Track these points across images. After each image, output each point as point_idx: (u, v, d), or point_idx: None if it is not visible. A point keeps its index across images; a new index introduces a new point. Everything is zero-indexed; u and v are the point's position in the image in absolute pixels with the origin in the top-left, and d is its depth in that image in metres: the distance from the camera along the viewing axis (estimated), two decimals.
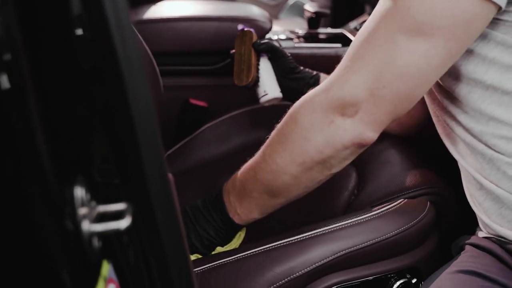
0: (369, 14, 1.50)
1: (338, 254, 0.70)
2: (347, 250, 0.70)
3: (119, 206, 0.35)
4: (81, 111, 0.36)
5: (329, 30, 1.48)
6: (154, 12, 1.30)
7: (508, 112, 0.63)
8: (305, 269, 0.69)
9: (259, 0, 2.20)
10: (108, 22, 0.35)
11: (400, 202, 0.77)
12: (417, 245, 0.77)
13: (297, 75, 0.95)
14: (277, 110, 1.07)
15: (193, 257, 0.75)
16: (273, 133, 0.71)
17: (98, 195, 0.36)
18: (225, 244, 0.77)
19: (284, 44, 1.32)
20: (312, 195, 0.78)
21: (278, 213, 0.88)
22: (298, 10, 2.18)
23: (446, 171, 0.88)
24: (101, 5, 0.34)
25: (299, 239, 0.72)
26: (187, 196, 1.01)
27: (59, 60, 0.35)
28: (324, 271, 0.70)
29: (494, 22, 0.61)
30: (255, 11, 1.29)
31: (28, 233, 0.30)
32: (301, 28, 1.47)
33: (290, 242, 0.72)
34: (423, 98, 0.81)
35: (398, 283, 0.74)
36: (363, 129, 0.63)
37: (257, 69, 0.93)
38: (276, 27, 1.57)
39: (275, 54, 0.94)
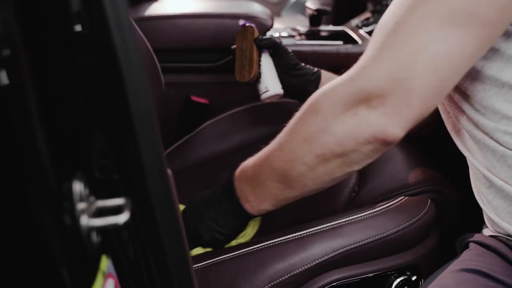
0: (371, 11, 1.51)
1: (339, 251, 0.70)
2: (347, 247, 0.70)
3: (118, 201, 0.35)
4: (80, 107, 0.36)
5: (331, 27, 1.48)
6: (155, 9, 1.30)
7: None
8: (306, 266, 0.69)
9: None
10: (107, 18, 0.35)
11: (401, 200, 0.77)
12: (418, 243, 0.77)
13: (299, 71, 0.95)
14: (278, 108, 1.07)
15: (201, 250, 0.74)
16: (291, 121, 0.68)
17: (97, 190, 0.36)
18: (236, 237, 0.75)
19: (285, 41, 1.32)
20: None
21: (279, 210, 0.88)
22: (300, 7, 2.18)
23: (448, 169, 0.88)
24: (100, 2, 0.34)
25: (299, 236, 0.72)
26: (187, 193, 1.01)
27: (58, 56, 0.35)
28: (325, 268, 0.70)
29: None
30: (257, 8, 1.29)
31: (26, 227, 0.30)
32: (303, 25, 1.47)
33: (291, 238, 0.72)
34: None
35: (398, 280, 0.74)
36: (388, 124, 0.59)
37: (259, 65, 0.93)
38: (278, 24, 1.57)
39: (276, 50, 0.94)
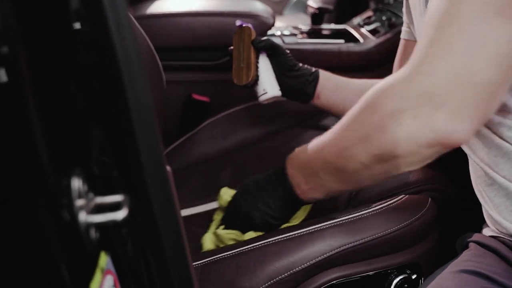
0: (373, 10, 1.51)
1: (339, 249, 0.70)
2: (347, 246, 0.71)
3: (117, 198, 0.35)
4: (79, 104, 0.36)
5: (332, 26, 1.48)
6: (157, 7, 1.30)
7: None
8: (305, 264, 0.69)
9: None
10: (106, 16, 0.35)
11: (401, 198, 0.77)
12: (418, 241, 0.77)
13: (296, 72, 0.95)
14: (279, 107, 1.07)
15: (254, 234, 0.74)
16: (346, 118, 0.64)
17: (96, 187, 0.36)
18: (288, 221, 0.76)
19: (287, 40, 1.33)
20: None
21: None
22: (302, 6, 2.18)
23: (449, 168, 0.87)
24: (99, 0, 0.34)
25: (299, 234, 0.72)
26: (188, 191, 1.02)
27: (57, 54, 0.35)
28: (325, 266, 0.71)
29: None
30: (258, 7, 1.29)
31: (24, 223, 0.30)
32: (305, 24, 1.47)
33: (291, 236, 0.72)
34: None
35: (398, 278, 0.74)
36: (454, 128, 0.55)
37: (257, 68, 0.93)
38: (280, 23, 1.57)
39: (274, 51, 0.93)
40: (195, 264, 0.71)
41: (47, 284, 0.32)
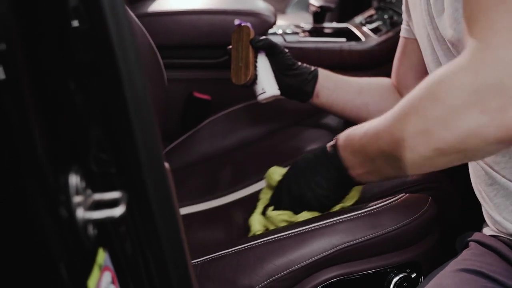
0: (375, 8, 1.50)
1: (338, 247, 0.70)
2: (347, 244, 0.71)
3: (115, 195, 0.35)
4: (77, 101, 0.36)
5: (334, 24, 1.48)
6: (158, 5, 1.30)
7: None
8: (305, 262, 0.69)
9: None
10: (104, 13, 0.35)
11: (401, 197, 0.77)
12: (418, 240, 0.76)
13: (295, 71, 0.94)
14: (280, 105, 1.07)
15: (308, 214, 0.75)
16: (402, 106, 0.60)
17: (95, 184, 0.36)
18: (341, 200, 0.76)
19: (289, 38, 1.33)
20: None
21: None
22: (305, 5, 2.17)
23: (451, 167, 0.87)
24: None
25: (299, 232, 0.72)
26: (189, 189, 1.02)
27: (55, 51, 0.35)
28: (324, 264, 0.71)
29: None
30: (260, 5, 1.29)
31: (22, 220, 0.30)
32: (307, 22, 1.47)
33: (290, 234, 0.72)
34: None
35: (397, 277, 0.74)
36: None
37: (255, 67, 0.93)
38: (282, 21, 1.57)
39: (273, 50, 0.93)
40: (195, 262, 0.72)
41: (45, 280, 0.32)
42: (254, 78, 0.93)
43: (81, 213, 0.33)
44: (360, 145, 0.66)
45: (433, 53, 0.75)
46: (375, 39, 1.32)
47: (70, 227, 0.32)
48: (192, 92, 1.29)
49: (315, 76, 0.95)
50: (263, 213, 0.81)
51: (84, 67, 0.36)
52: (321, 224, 0.72)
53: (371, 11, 1.50)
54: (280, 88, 0.94)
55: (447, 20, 0.66)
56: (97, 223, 0.35)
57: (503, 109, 0.51)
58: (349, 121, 1.01)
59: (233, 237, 0.83)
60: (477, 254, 0.69)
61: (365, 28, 1.40)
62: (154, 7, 1.28)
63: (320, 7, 1.41)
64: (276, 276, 0.68)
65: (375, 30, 1.37)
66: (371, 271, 0.73)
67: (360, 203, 0.78)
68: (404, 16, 0.91)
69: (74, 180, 0.33)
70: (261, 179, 0.99)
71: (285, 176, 0.78)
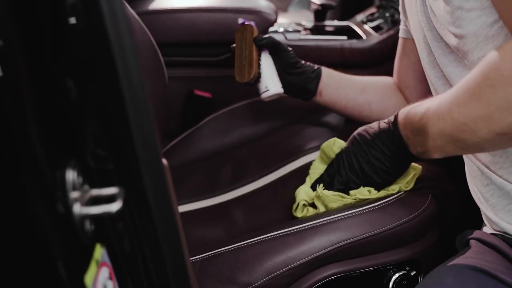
0: (377, 6, 1.50)
1: (338, 245, 0.70)
2: (346, 241, 0.71)
3: (112, 190, 0.35)
4: (75, 97, 0.36)
5: (335, 22, 1.48)
6: (159, 3, 1.30)
7: None
8: (304, 259, 0.69)
9: None
10: (101, 10, 0.35)
11: (401, 195, 0.77)
12: (418, 238, 0.76)
13: (299, 69, 0.95)
14: (281, 103, 1.07)
15: (365, 190, 0.75)
16: (461, 89, 0.60)
17: (93, 180, 0.36)
18: (400, 175, 0.77)
19: (290, 36, 1.32)
20: None
21: (278, 203, 0.88)
22: (307, 3, 2.17)
23: (449, 165, 0.87)
24: None
25: (298, 229, 0.72)
26: (189, 187, 1.02)
27: (53, 48, 0.35)
28: (323, 262, 0.71)
29: None
30: (261, 3, 1.29)
31: (19, 215, 0.30)
32: (308, 20, 1.47)
33: (290, 232, 0.72)
34: (429, 89, 0.81)
35: (397, 275, 0.74)
36: None
37: (259, 65, 0.93)
38: (283, 19, 1.57)
39: (276, 49, 0.93)
40: (194, 259, 0.72)
41: (42, 276, 0.32)
42: (258, 76, 0.93)
43: (77, 209, 0.33)
44: (420, 125, 0.67)
45: (430, 54, 0.75)
46: (376, 37, 1.32)
47: (67, 222, 0.32)
48: (192, 90, 1.29)
49: (318, 75, 0.95)
50: (313, 187, 0.80)
51: (81, 63, 0.36)
52: (320, 222, 0.72)
53: (373, 9, 1.50)
54: (283, 86, 0.94)
55: (449, 17, 0.65)
56: (94, 218, 0.35)
57: None
58: (351, 119, 1.01)
59: (233, 235, 0.83)
60: (477, 252, 0.69)
61: (366, 26, 1.40)
62: (154, 5, 1.28)
63: (322, 5, 1.41)
64: (275, 273, 0.68)
65: (376, 28, 1.37)
66: (371, 269, 0.73)
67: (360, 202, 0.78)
68: (401, 16, 0.91)
69: (71, 175, 0.33)
70: (261, 176, 0.99)
71: (344, 150, 0.79)
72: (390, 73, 1.01)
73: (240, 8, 1.24)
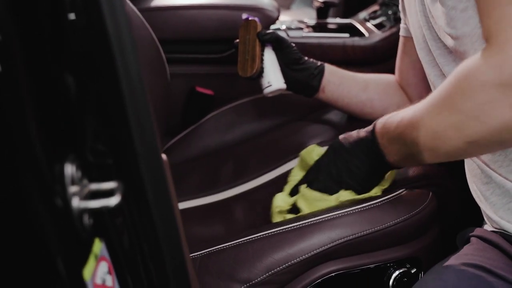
0: (379, 4, 1.50)
1: (337, 242, 0.70)
2: (346, 238, 0.70)
3: (111, 185, 0.35)
4: (73, 91, 0.36)
5: (338, 20, 1.47)
6: None
7: None
8: (304, 256, 0.69)
9: None
10: (101, 6, 0.35)
11: (402, 192, 0.77)
12: (418, 235, 0.76)
13: (302, 65, 0.95)
14: (282, 100, 1.07)
15: (346, 193, 0.75)
16: (435, 98, 0.61)
17: (91, 174, 0.36)
18: (379, 183, 0.77)
19: (292, 33, 1.32)
20: None
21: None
22: (310, 1, 2.17)
23: (450, 162, 0.87)
24: None
25: (298, 226, 0.72)
26: (190, 183, 1.02)
27: (52, 42, 0.35)
28: (323, 259, 0.71)
29: None
30: (263, 0, 1.29)
31: (16, 209, 0.30)
32: (311, 18, 1.47)
33: (290, 228, 0.72)
34: (429, 86, 0.81)
35: (397, 272, 0.74)
36: None
37: (262, 60, 0.93)
38: (286, 17, 1.57)
39: (279, 44, 0.93)
40: (194, 255, 0.72)
41: (40, 270, 0.32)
42: (260, 71, 0.93)
43: (76, 203, 0.33)
44: (396, 134, 0.68)
45: (429, 53, 0.75)
46: (378, 35, 1.32)
47: (66, 216, 0.33)
48: (194, 86, 1.29)
49: (321, 71, 0.95)
50: (292, 194, 0.81)
51: (80, 58, 0.36)
52: (320, 218, 0.72)
53: (375, 7, 1.50)
54: (286, 82, 0.94)
55: (444, 18, 0.65)
56: (93, 212, 0.35)
57: None
58: (353, 116, 1.01)
59: (233, 232, 0.84)
60: (478, 249, 0.69)
61: (368, 24, 1.40)
62: (156, 2, 1.28)
63: (324, 2, 1.41)
64: (275, 270, 0.68)
65: (379, 26, 1.37)
66: (371, 266, 0.72)
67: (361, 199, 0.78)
68: (401, 15, 0.91)
69: (69, 169, 0.33)
70: (262, 174, 0.99)
71: (323, 157, 0.79)
72: (392, 71, 1.00)
73: (242, 5, 1.24)
